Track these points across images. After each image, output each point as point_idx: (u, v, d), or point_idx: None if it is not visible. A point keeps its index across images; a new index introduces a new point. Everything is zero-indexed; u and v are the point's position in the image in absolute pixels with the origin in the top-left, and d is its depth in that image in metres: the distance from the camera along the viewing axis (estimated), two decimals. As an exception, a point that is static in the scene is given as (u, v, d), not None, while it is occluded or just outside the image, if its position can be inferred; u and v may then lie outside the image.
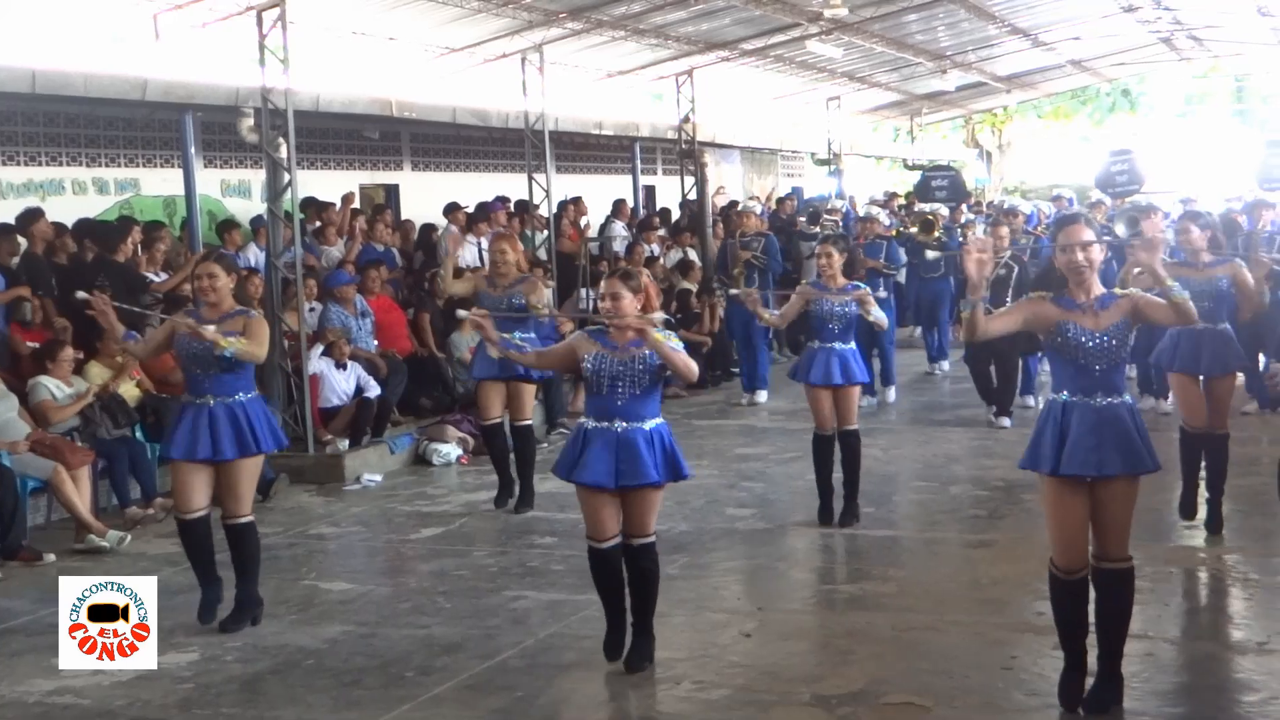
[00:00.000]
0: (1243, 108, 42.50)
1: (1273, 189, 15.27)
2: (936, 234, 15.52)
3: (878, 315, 9.19)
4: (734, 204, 22.34)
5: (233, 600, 7.18)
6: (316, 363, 11.51)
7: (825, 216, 17.41)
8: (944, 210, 17.49)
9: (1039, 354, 13.92)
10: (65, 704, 6.14)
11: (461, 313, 6.82)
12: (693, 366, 6.19)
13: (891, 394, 14.11)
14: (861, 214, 17.37)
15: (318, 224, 14.13)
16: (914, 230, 15.76)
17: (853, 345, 8.99)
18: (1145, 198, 16.87)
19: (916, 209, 18.43)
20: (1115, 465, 5.43)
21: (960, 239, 15.61)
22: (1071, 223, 5.67)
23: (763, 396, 14.26)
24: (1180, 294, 5.44)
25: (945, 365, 15.85)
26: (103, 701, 6.12)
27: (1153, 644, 6.49)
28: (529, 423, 9.93)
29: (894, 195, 24.93)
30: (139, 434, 10.09)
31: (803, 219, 18.93)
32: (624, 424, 6.11)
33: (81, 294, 7.31)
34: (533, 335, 9.74)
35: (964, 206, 20.74)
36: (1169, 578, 7.75)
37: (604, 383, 6.13)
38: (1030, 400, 12.88)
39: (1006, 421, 12.21)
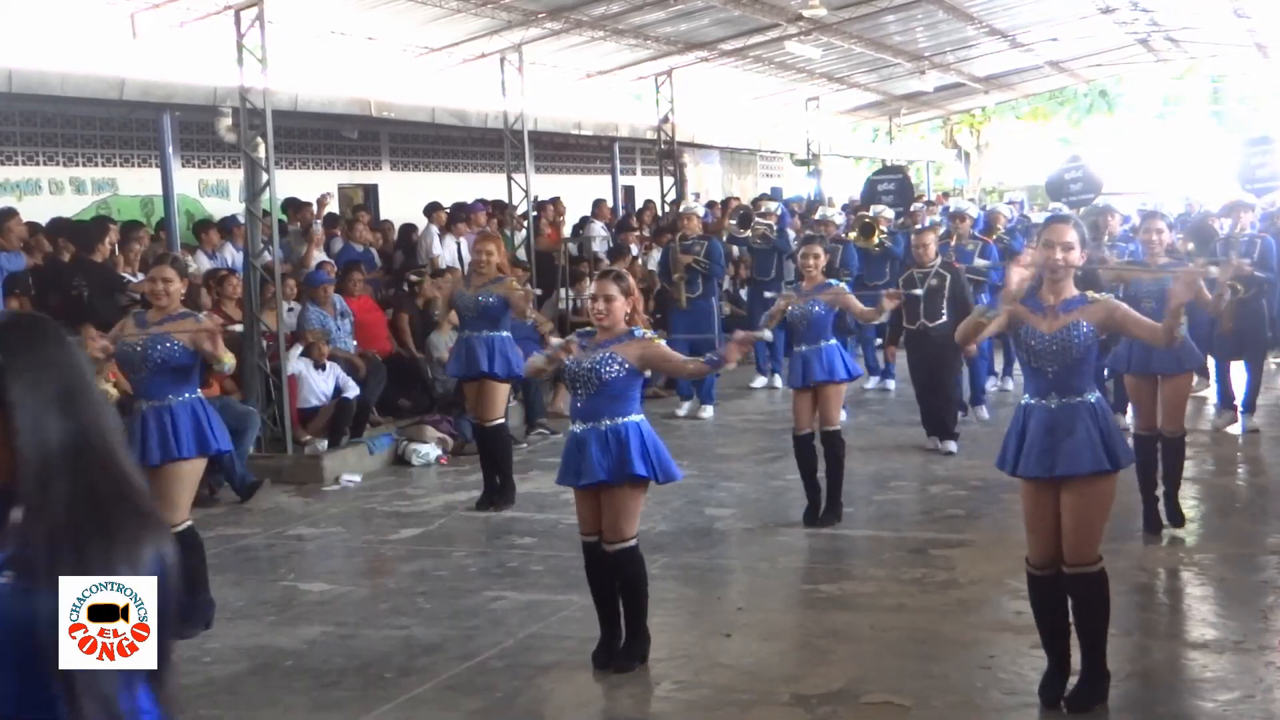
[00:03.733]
0: (1219, 109, 42.75)
1: (1259, 189, 15.00)
2: (877, 239, 14.72)
3: (861, 309, 9.17)
4: (711, 205, 22.37)
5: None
6: (295, 363, 11.47)
7: (757, 220, 16.10)
8: (888, 213, 16.54)
9: (989, 366, 13.84)
10: (42, 706, 6.10)
11: (556, 340, 6.71)
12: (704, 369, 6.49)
13: (891, 384, 13.96)
14: (817, 217, 16.58)
15: (297, 225, 14.09)
16: (853, 236, 14.92)
17: (826, 343, 8.98)
18: (1104, 199, 16.66)
19: (858, 214, 17.39)
20: (1063, 466, 5.44)
21: (906, 242, 15.06)
22: (1060, 222, 5.67)
23: (708, 412, 13.51)
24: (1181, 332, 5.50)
25: (891, 384, 14.65)
26: (80, 703, 6.08)
27: (1130, 643, 6.51)
28: (499, 422, 9.90)
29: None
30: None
31: (732, 222, 18.20)
32: (583, 424, 6.24)
33: (10, 208, 7.43)
34: (508, 335, 9.78)
35: (930, 207, 20.46)
36: (1147, 577, 7.79)
37: (569, 385, 6.36)
38: (984, 412, 12.52)
39: (953, 446, 11.27)
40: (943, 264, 11.26)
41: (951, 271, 11.23)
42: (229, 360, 6.98)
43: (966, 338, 5.80)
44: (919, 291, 11.01)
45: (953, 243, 12.75)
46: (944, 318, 10.91)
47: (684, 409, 13.50)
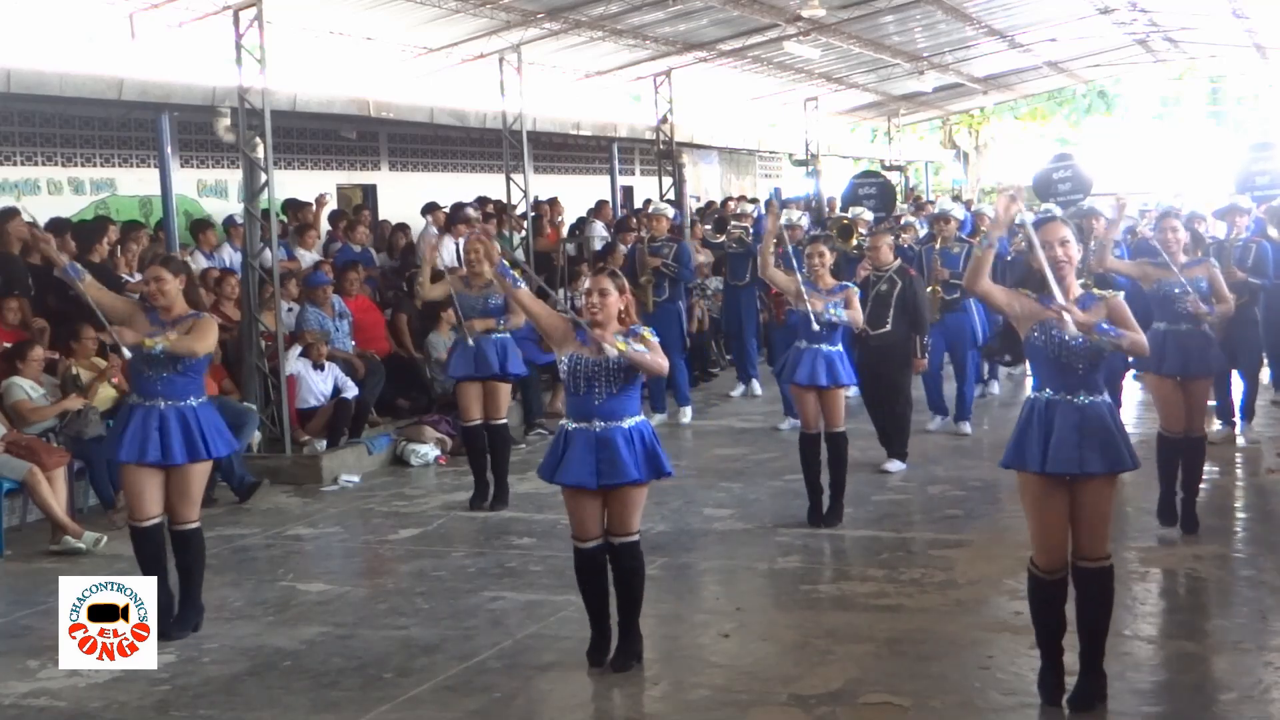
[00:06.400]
0: (1218, 109, 42.80)
1: (1259, 197, 14.54)
2: (856, 241, 14.18)
3: (851, 317, 9.09)
4: (709, 205, 22.34)
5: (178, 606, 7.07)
6: (294, 363, 11.47)
7: (733, 224, 15.36)
8: (867, 215, 16.07)
9: (981, 376, 13.64)
10: (41, 706, 6.11)
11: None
12: (662, 364, 6.22)
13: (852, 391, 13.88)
14: (784, 221, 16.29)
15: (294, 225, 14.07)
16: (832, 236, 14.05)
17: (840, 347, 9.00)
18: (1092, 200, 16.47)
19: (835, 215, 17.22)
20: (1097, 464, 5.49)
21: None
22: (1049, 221, 5.71)
23: (687, 415, 13.30)
24: (1112, 338, 5.42)
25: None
26: (79, 704, 6.09)
27: (1130, 643, 6.52)
28: (504, 422, 9.93)
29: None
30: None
31: (707, 226, 17.76)
32: (602, 423, 6.14)
33: (12, 207, 7.28)
34: (508, 335, 9.78)
35: (910, 208, 20.22)
36: (1146, 577, 7.79)
37: (580, 383, 6.16)
38: (967, 428, 12.09)
39: (895, 465, 10.70)
40: (898, 269, 10.63)
41: (905, 278, 10.60)
42: (153, 344, 6.73)
43: (972, 280, 5.64)
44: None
45: (936, 246, 12.24)
46: (888, 326, 10.39)
47: (656, 418, 12.90)
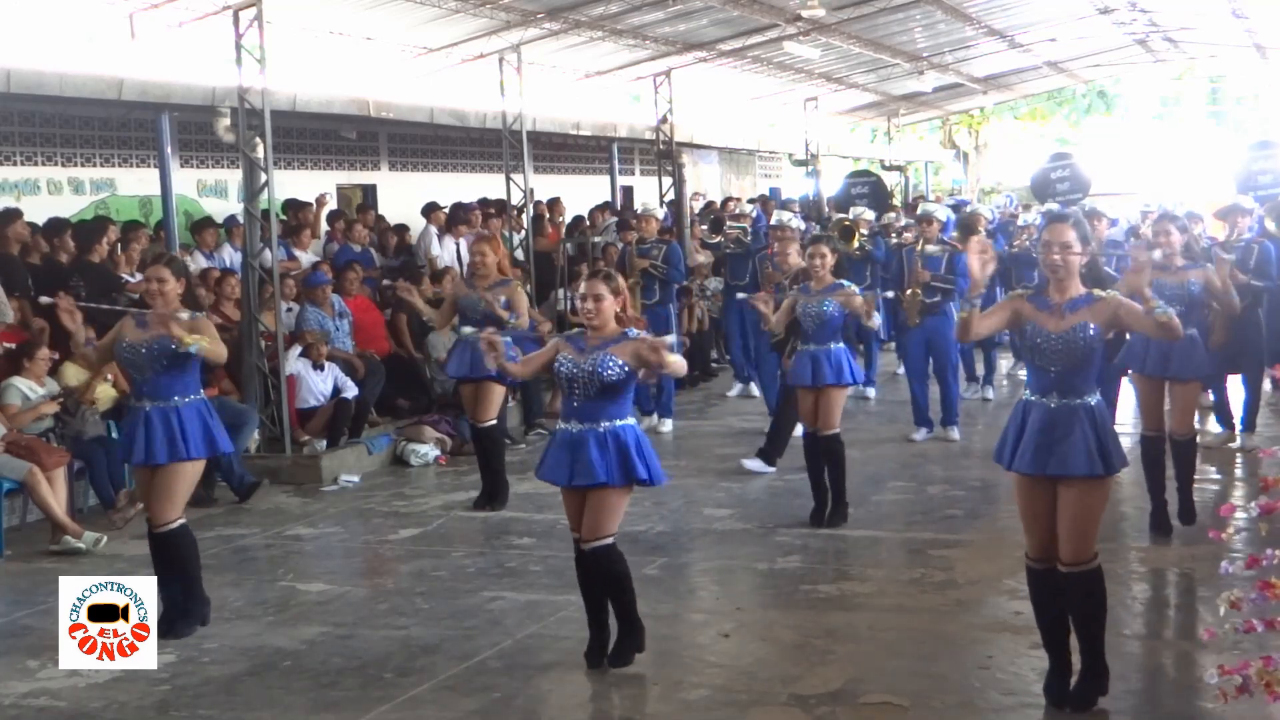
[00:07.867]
0: (1217, 109, 42.80)
1: (1260, 196, 14.32)
2: (857, 242, 14.23)
3: (875, 320, 9.14)
4: (710, 205, 22.32)
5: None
6: (294, 363, 11.47)
7: (730, 224, 15.06)
8: (869, 215, 15.99)
9: (964, 379, 13.49)
10: (41, 706, 6.11)
11: (467, 329, 6.77)
12: (681, 365, 6.37)
13: (871, 392, 13.99)
14: (774, 221, 14.67)
15: (291, 224, 14.07)
16: (833, 236, 13.63)
17: (834, 345, 8.93)
18: (1091, 200, 16.30)
19: (836, 216, 17.09)
20: (1057, 466, 5.48)
21: (886, 246, 14.59)
22: (1059, 221, 5.67)
23: (667, 426, 12.73)
24: (1165, 313, 5.45)
25: (871, 391, 14.22)
26: (79, 704, 6.09)
27: (1129, 643, 6.53)
28: (491, 423, 9.88)
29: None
30: (115, 434, 10.03)
31: (704, 227, 17.55)
32: (579, 425, 6.22)
33: (45, 299, 7.38)
34: (508, 338, 9.76)
35: (903, 210, 20.14)
36: (1144, 577, 7.79)
37: (564, 385, 6.29)
38: (955, 433, 11.91)
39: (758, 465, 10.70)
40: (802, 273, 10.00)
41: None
42: (192, 342, 6.73)
43: (961, 337, 5.81)
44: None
45: (918, 248, 11.83)
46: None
47: (642, 424, 12.95)
